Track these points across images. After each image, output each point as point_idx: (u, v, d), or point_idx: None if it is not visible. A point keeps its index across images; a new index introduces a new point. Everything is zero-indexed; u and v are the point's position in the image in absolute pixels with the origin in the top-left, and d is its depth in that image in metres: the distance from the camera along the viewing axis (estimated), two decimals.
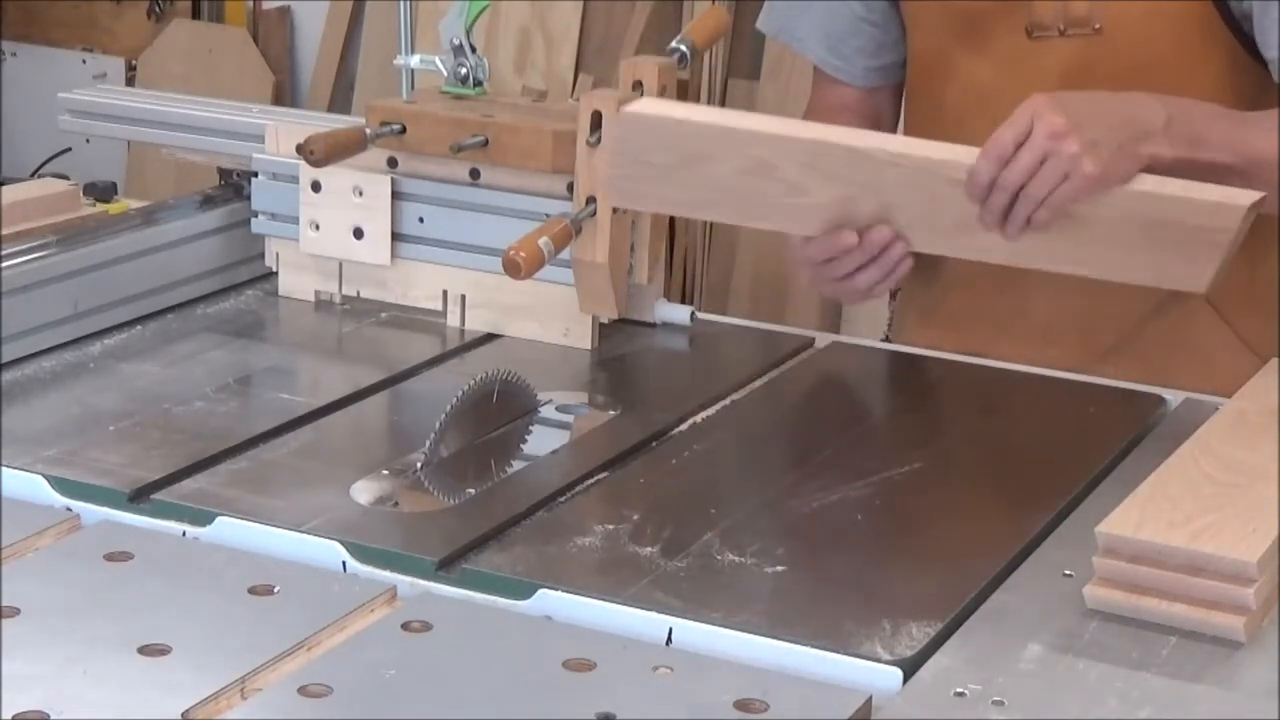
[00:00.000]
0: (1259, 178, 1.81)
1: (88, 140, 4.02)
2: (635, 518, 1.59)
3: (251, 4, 4.96)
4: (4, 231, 2.03)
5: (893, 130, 2.19)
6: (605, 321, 2.04)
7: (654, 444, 1.78)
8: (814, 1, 2.15)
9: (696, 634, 1.40)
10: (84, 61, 5.13)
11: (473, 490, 1.65)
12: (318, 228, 2.11)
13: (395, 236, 2.09)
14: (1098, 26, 1.96)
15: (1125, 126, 1.78)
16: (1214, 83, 1.95)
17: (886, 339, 2.34)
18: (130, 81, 4.99)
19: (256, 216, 2.17)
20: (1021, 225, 1.76)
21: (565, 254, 1.91)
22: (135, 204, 2.24)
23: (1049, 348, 2.05)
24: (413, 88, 2.14)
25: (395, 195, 2.08)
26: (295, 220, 2.13)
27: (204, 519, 1.56)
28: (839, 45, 2.16)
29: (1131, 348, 2.05)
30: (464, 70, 2.11)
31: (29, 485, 1.61)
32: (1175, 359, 2.02)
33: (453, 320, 2.09)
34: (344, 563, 1.50)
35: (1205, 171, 1.79)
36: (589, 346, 2.02)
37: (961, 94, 2.05)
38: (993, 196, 1.76)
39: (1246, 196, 1.72)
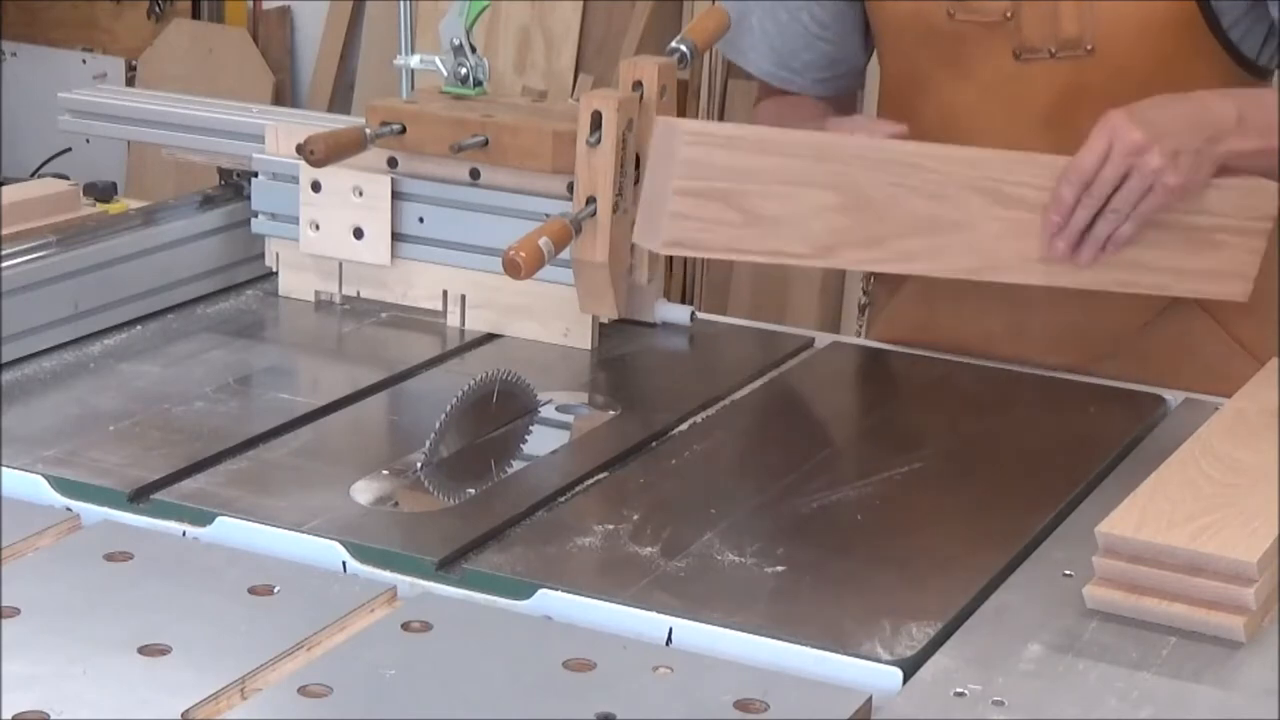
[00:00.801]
0: None
1: (88, 140, 4.02)
2: (635, 518, 1.59)
3: (251, 4, 4.96)
4: (4, 231, 2.03)
5: None
6: (605, 321, 2.04)
7: (654, 444, 1.78)
8: (761, 19, 2.13)
9: (696, 634, 1.40)
10: (84, 61, 5.14)
11: (473, 490, 1.65)
12: (318, 228, 2.11)
13: (395, 236, 2.09)
14: (1089, 47, 1.95)
15: (1200, 130, 1.80)
16: None
17: None
18: (130, 81, 4.99)
19: (256, 216, 2.17)
20: (1099, 245, 1.79)
21: (565, 254, 1.91)
22: (135, 204, 2.24)
23: (1048, 356, 2.04)
24: (413, 88, 2.14)
25: (395, 195, 2.08)
26: (295, 220, 2.13)
27: (204, 519, 1.56)
28: (789, 60, 2.14)
29: (1130, 355, 2.05)
30: (464, 70, 2.11)
31: (29, 485, 1.61)
32: (1173, 365, 2.02)
33: (453, 320, 2.09)
34: (344, 563, 1.50)
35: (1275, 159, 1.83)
36: (589, 346, 2.02)
37: (939, 117, 2.02)
38: (1076, 215, 1.78)
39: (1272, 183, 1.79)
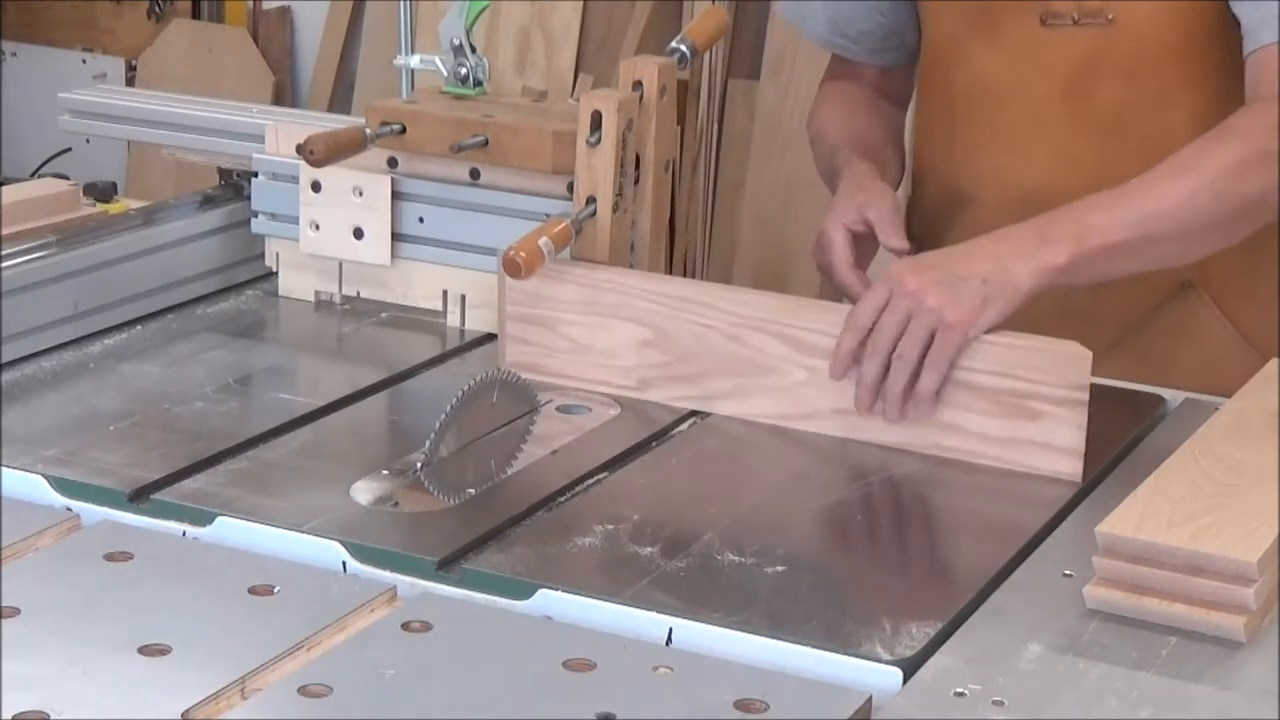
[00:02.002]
0: (1157, 238, 1.80)
1: (88, 140, 4.02)
2: (635, 518, 1.59)
3: (251, 4, 4.96)
4: (4, 231, 2.03)
5: (905, 108, 2.24)
6: None
7: (654, 444, 1.78)
8: None
9: (696, 634, 1.40)
10: (84, 61, 5.14)
11: (473, 490, 1.65)
12: (318, 228, 2.11)
13: (395, 236, 2.09)
14: (1110, 17, 1.98)
15: (983, 260, 1.77)
16: (1222, 72, 1.96)
17: None
18: (130, 81, 4.99)
19: (256, 216, 2.17)
20: (899, 399, 1.74)
21: (565, 254, 1.91)
22: (135, 204, 2.24)
23: None
24: (413, 88, 2.14)
25: (395, 195, 2.08)
26: (295, 220, 2.13)
27: (204, 519, 1.56)
28: (845, 27, 2.20)
29: (1133, 343, 2.05)
30: (464, 70, 2.11)
31: (29, 485, 1.61)
32: (1175, 354, 2.03)
33: (453, 320, 2.09)
34: (344, 563, 1.50)
35: (1105, 258, 1.78)
36: None
37: (970, 84, 2.08)
38: (865, 368, 1.74)
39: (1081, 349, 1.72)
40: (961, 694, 1.31)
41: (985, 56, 2.06)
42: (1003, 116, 2.06)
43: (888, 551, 1.57)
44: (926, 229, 2.16)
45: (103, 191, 2.23)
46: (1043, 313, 2.05)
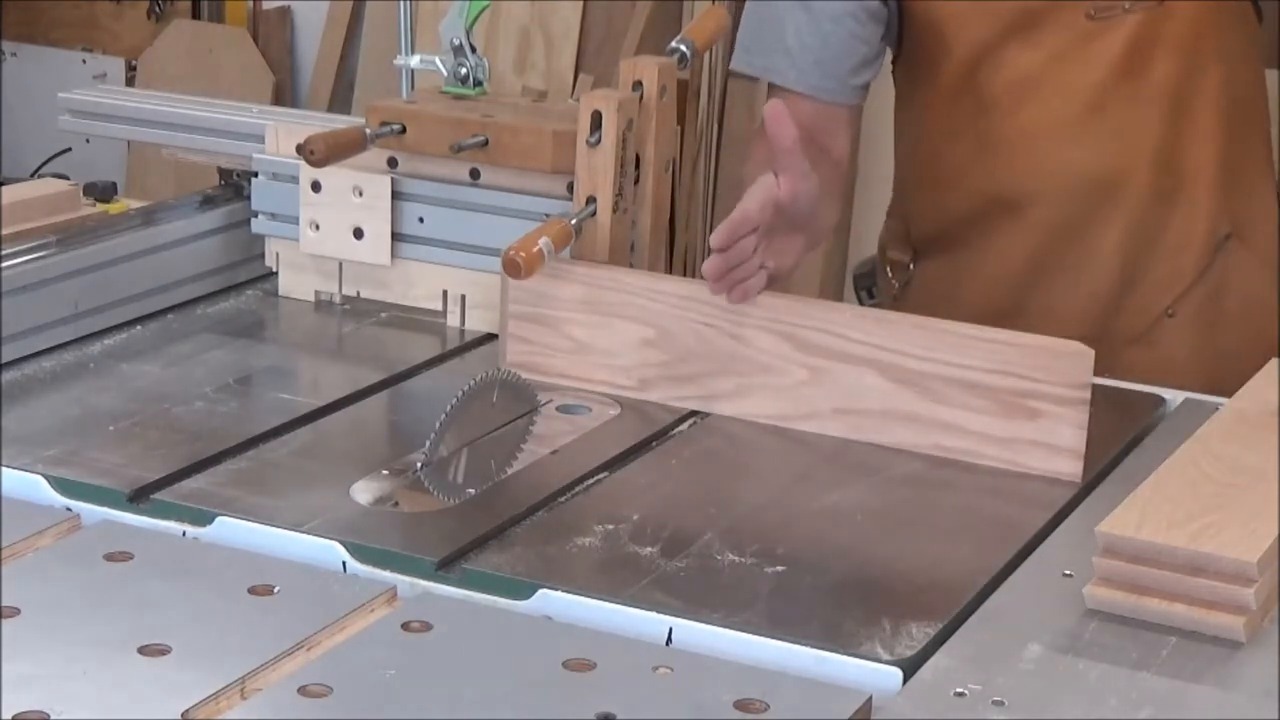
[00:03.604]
0: None
1: (88, 140, 4.02)
2: (635, 518, 1.59)
3: (251, 4, 4.96)
4: (4, 231, 2.03)
5: (841, 153, 2.18)
6: None
7: (654, 444, 1.78)
8: (800, 36, 2.11)
9: (696, 634, 1.40)
10: (84, 61, 5.14)
11: (473, 490, 1.65)
12: (318, 228, 2.11)
13: (395, 236, 2.09)
14: None
15: None
16: (1242, 35, 2.04)
17: None
18: (130, 81, 4.99)
19: (256, 216, 2.17)
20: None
21: (565, 254, 1.91)
22: (135, 204, 2.24)
23: (1073, 330, 2.07)
24: (413, 88, 2.14)
25: (395, 195, 2.08)
26: (295, 220, 2.13)
27: (204, 519, 1.56)
28: (834, 68, 2.12)
29: (1157, 339, 2.08)
30: (464, 70, 2.11)
31: (29, 485, 1.61)
32: (1196, 351, 2.07)
33: (453, 320, 2.09)
34: (344, 563, 1.50)
35: None
36: None
37: (1008, 83, 2.08)
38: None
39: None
40: (961, 694, 1.31)
41: (1024, 55, 2.07)
42: (1052, 108, 2.08)
43: (888, 551, 1.57)
44: (961, 234, 2.17)
45: (103, 191, 2.23)
46: (1063, 310, 2.08)
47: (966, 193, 2.18)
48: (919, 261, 2.28)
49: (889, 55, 2.21)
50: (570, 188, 1.96)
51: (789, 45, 2.12)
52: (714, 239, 1.79)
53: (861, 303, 2.48)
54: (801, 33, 2.11)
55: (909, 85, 2.22)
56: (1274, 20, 2.22)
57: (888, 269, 2.33)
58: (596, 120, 1.91)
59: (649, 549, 1.53)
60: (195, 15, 5.02)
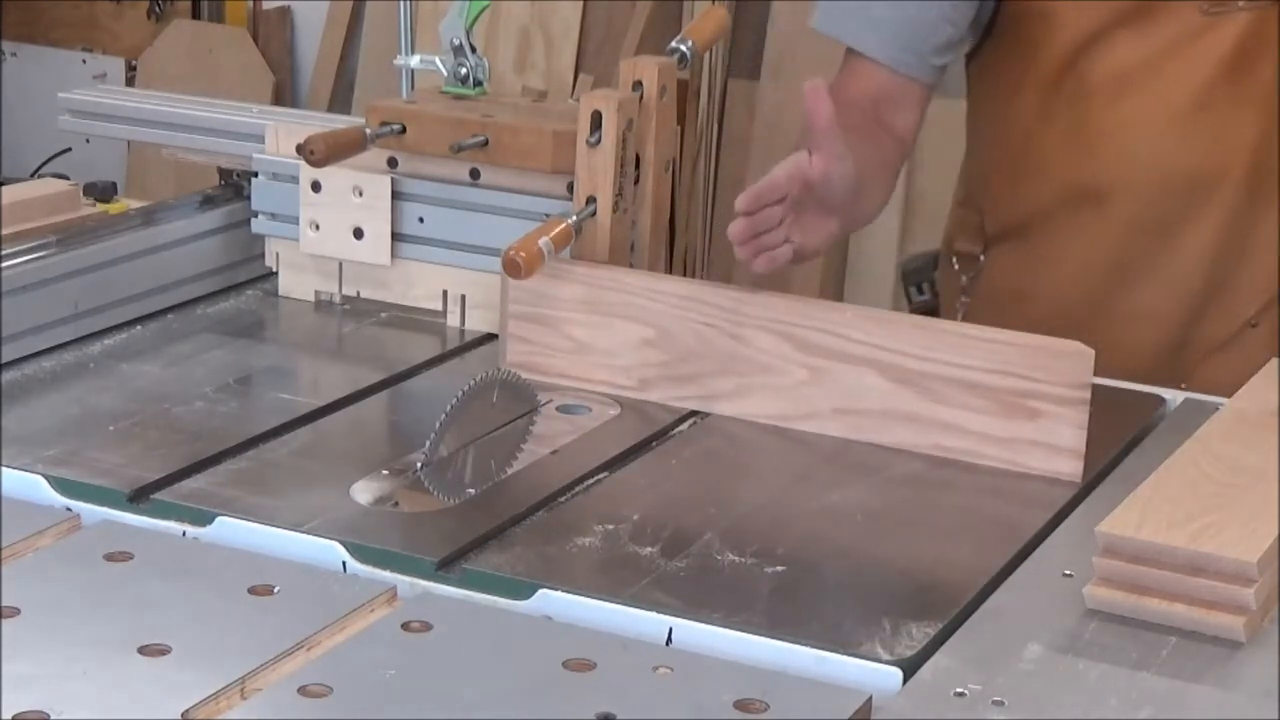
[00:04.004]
0: None
1: (88, 140, 4.02)
2: (635, 518, 1.59)
3: (251, 4, 4.97)
4: (4, 231, 2.03)
5: (907, 134, 2.17)
6: None
7: (654, 444, 1.78)
8: (890, 4, 2.11)
9: (696, 634, 1.40)
10: (84, 61, 5.14)
11: (473, 490, 1.65)
12: (318, 228, 2.11)
13: (395, 236, 2.09)
14: None
15: None
16: None
17: None
18: (130, 81, 5.00)
19: (256, 216, 2.17)
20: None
21: (565, 254, 1.91)
22: (135, 204, 2.24)
23: (1152, 334, 2.07)
24: (413, 88, 2.14)
25: (395, 195, 2.08)
26: (295, 220, 2.13)
27: (204, 519, 1.56)
28: (916, 43, 2.12)
29: (1238, 350, 2.07)
30: (464, 70, 2.11)
31: (29, 485, 1.61)
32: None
33: (453, 320, 2.09)
34: (344, 563, 1.50)
35: None
36: None
37: (1113, 73, 2.07)
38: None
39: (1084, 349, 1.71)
40: (961, 694, 1.31)
41: (1134, 46, 2.06)
42: (1154, 101, 2.07)
43: (888, 551, 1.57)
44: (1043, 225, 2.16)
45: (103, 191, 2.23)
46: (1145, 308, 2.08)
47: (1053, 182, 2.15)
48: (991, 253, 2.25)
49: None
50: (570, 188, 1.96)
51: (874, 13, 2.12)
52: (739, 202, 1.77)
53: (910, 300, 2.44)
54: (894, 4, 2.11)
55: (997, 72, 2.20)
56: None
57: (954, 260, 2.29)
58: (596, 120, 1.91)
59: (649, 549, 1.53)
60: (195, 15, 5.02)
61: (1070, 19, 2.10)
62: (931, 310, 2.37)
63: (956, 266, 2.29)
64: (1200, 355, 2.12)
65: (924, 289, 2.40)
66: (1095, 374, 1.73)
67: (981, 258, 2.26)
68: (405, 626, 1.38)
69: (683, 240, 4.27)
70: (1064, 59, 2.11)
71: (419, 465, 1.67)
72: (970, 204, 2.29)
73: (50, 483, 1.61)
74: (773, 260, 1.80)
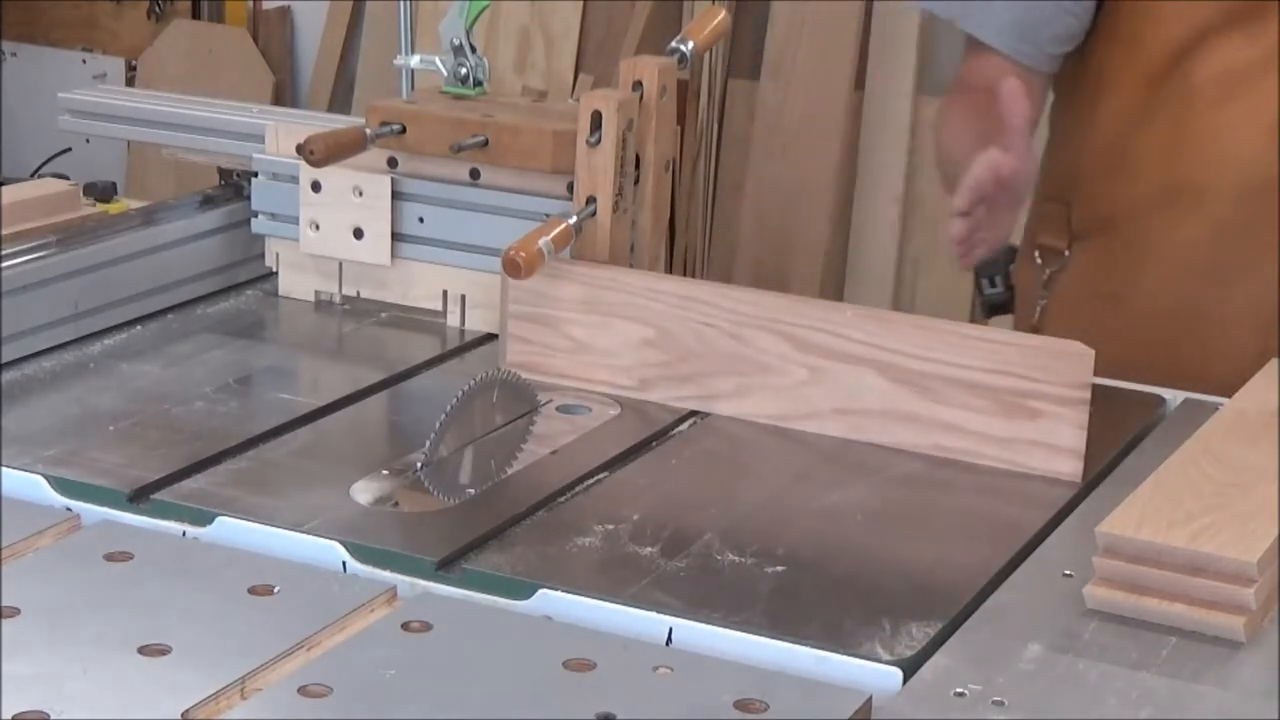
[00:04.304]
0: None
1: (88, 140, 4.02)
2: (635, 518, 1.59)
3: (251, 4, 4.96)
4: (4, 231, 2.03)
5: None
6: None
7: (654, 444, 1.78)
8: None
9: (696, 634, 1.40)
10: (84, 61, 5.14)
11: (473, 490, 1.65)
12: (318, 228, 2.11)
13: (395, 236, 2.09)
14: None
15: None
16: None
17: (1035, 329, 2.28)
18: (130, 81, 4.99)
19: (256, 216, 2.17)
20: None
21: (565, 254, 1.91)
22: (135, 204, 2.24)
23: (1244, 341, 2.07)
24: (413, 88, 2.14)
25: (395, 195, 2.08)
26: (295, 220, 2.13)
27: (204, 519, 1.56)
28: (1034, 33, 2.13)
29: None
30: (464, 70, 2.11)
31: (29, 485, 1.61)
32: None
33: (453, 320, 2.09)
34: (344, 563, 1.50)
35: None
36: None
37: (1219, 73, 2.07)
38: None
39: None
40: (961, 694, 1.31)
41: (1241, 46, 2.06)
42: (1261, 104, 2.06)
43: (888, 551, 1.57)
44: (1135, 223, 2.15)
45: (103, 191, 2.23)
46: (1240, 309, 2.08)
47: (1149, 181, 2.14)
48: (1077, 249, 2.23)
49: None
50: (570, 188, 1.96)
51: (995, 4, 2.13)
52: (958, 202, 1.85)
53: (982, 292, 2.41)
54: None
55: (1095, 67, 2.18)
56: None
57: (1036, 254, 2.27)
58: (596, 120, 1.91)
59: (649, 549, 1.53)
60: (195, 15, 5.02)
61: (1176, 17, 2.09)
62: (1004, 304, 2.35)
63: (1039, 261, 2.26)
64: None
65: (996, 282, 2.37)
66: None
67: (1066, 253, 2.23)
68: (405, 626, 1.38)
69: (683, 240, 4.27)
70: (1168, 58, 2.10)
71: (419, 465, 1.67)
72: (1058, 198, 2.25)
73: (50, 483, 1.61)
74: (976, 256, 1.87)
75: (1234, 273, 2.12)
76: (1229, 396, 1.76)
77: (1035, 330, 2.22)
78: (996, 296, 2.36)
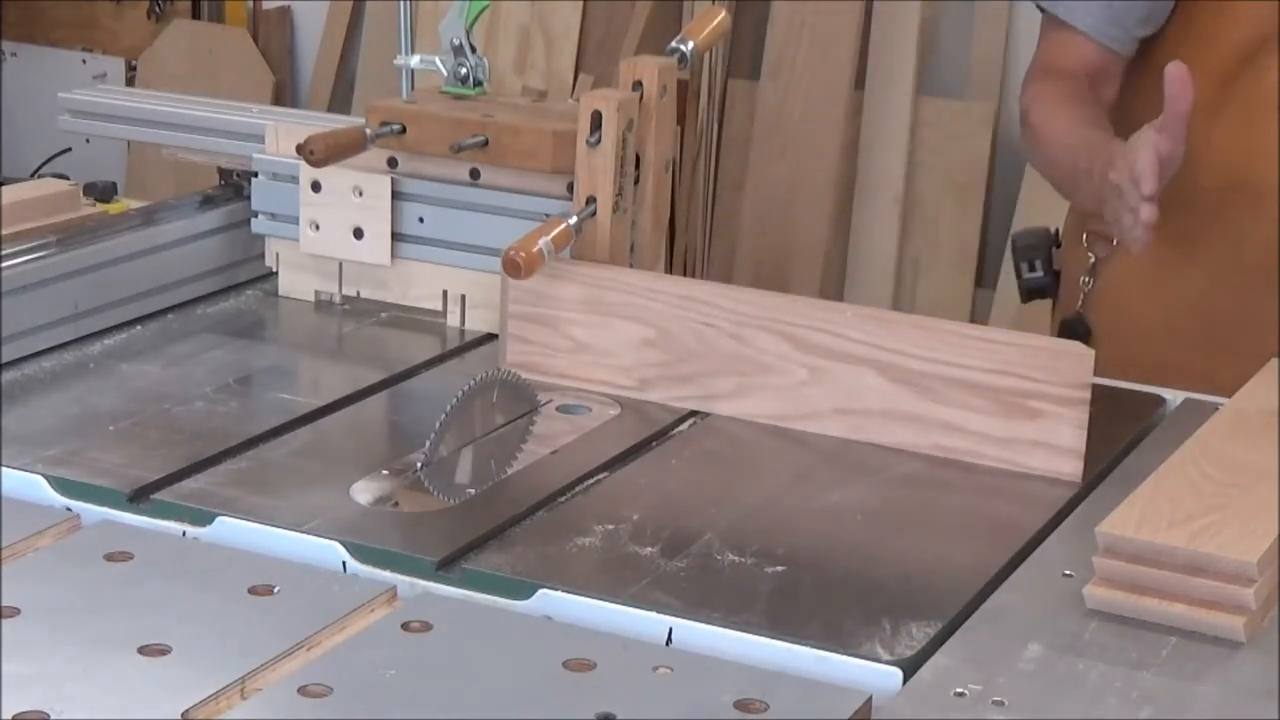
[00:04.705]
0: None
1: (88, 140, 4.02)
2: (635, 518, 1.59)
3: (251, 4, 4.96)
4: (4, 231, 2.03)
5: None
6: None
7: (654, 444, 1.78)
8: None
9: (696, 634, 1.40)
10: (84, 61, 5.14)
11: (473, 490, 1.65)
12: (318, 228, 2.11)
13: (395, 236, 2.09)
14: None
15: None
16: None
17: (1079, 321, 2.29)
18: (130, 81, 4.99)
19: (256, 216, 2.17)
20: None
21: (565, 254, 1.91)
22: (135, 204, 2.24)
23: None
24: (413, 88, 2.14)
25: (395, 195, 2.08)
26: (295, 220, 2.13)
27: (204, 519, 1.56)
28: (1123, 16, 2.16)
29: None
30: (464, 70, 2.11)
31: (29, 485, 1.61)
32: None
33: (453, 320, 2.09)
34: (344, 563, 1.50)
35: None
36: None
37: (1274, 88, 2.07)
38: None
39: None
40: (961, 694, 1.31)
41: None
42: None
43: (888, 551, 1.57)
44: (1190, 218, 2.14)
45: (103, 191, 2.23)
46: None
47: (1212, 178, 2.13)
48: None
49: None
50: (570, 188, 1.96)
51: None
52: (1147, 188, 1.86)
53: (1020, 275, 2.37)
54: None
55: (1166, 61, 2.12)
56: None
57: (1084, 240, 2.27)
58: (596, 120, 1.91)
59: (649, 549, 1.53)
60: (195, 15, 5.02)
61: (1247, 17, 2.10)
62: (1043, 289, 2.34)
63: (1088, 247, 2.26)
64: None
65: (1037, 266, 2.35)
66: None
67: (1116, 241, 2.22)
68: (405, 626, 1.38)
69: (683, 240, 4.27)
70: (1238, 57, 2.11)
71: (419, 465, 1.67)
72: None
73: (50, 483, 1.61)
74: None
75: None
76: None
77: (1079, 316, 2.23)
78: (1035, 281, 2.35)
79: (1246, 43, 2.11)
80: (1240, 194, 2.13)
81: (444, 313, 2.09)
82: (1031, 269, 2.36)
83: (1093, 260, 2.25)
